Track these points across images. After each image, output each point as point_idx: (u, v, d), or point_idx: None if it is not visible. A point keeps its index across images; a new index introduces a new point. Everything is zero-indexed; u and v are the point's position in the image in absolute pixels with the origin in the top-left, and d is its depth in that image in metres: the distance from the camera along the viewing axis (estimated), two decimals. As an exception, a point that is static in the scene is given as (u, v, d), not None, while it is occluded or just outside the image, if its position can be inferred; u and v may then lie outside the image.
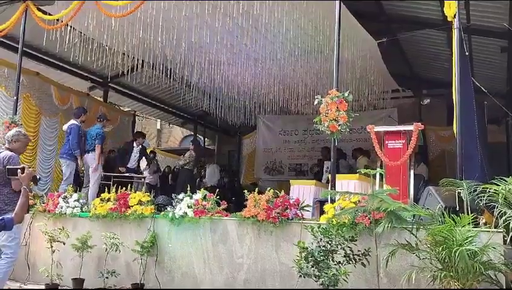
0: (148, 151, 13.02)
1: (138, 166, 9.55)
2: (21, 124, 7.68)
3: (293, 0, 6.82)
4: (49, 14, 7.60)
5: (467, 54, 5.93)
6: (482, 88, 6.33)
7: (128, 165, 9.17)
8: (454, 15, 5.20)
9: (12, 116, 7.51)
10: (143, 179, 9.32)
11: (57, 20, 7.52)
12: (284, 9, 6.91)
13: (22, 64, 7.87)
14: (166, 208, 6.17)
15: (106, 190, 6.83)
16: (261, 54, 9.24)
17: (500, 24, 7.09)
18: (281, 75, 10.17)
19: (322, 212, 5.56)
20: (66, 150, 8.10)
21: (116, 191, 6.56)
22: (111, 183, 7.36)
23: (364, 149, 10.60)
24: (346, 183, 7.19)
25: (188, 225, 5.87)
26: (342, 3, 6.11)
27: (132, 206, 6.27)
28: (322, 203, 6.14)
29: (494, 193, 4.12)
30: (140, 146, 9.64)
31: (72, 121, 8.28)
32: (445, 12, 5.24)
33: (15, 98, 7.84)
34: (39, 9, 7.61)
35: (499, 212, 4.08)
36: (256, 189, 6.04)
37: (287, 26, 7.56)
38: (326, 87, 7.09)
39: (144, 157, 9.85)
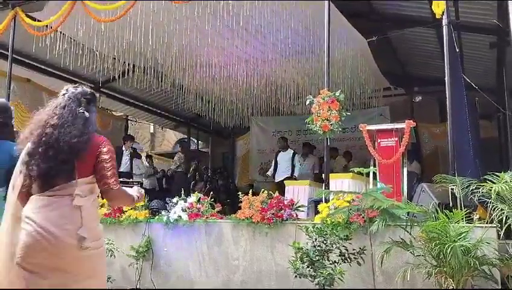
0: (143, 154, 13.04)
1: (131, 169, 9.49)
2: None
3: (282, 0, 6.83)
4: (38, 21, 7.57)
5: (457, 50, 5.97)
6: (473, 84, 6.37)
7: (121, 170, 9.12)
8: (443, 12, 5.23)
9: (3, 124, 7.44)
10: (139, 183, 9.29)
11: (46, 26, 7.49)
12: (274, 10, 6.92)
13: (12, 71, 7.82)
14: (160, 212, 6.15)
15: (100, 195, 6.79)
16: (252, 56, 9.25)
17: (489, 20, 7.13)
18: (273, 76, 10.17)
19: (316, 212, 5.57)
20: None
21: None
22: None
23: (346, 150, 10.79)
24: (340, 182, 7.20)
25: (183, 229, 5.86)
26: (331, 3, 6.12)
27: (126, 211, 6.25)
28: (316, 203, 6.15)
29: (489, 189, 4.14)
30: (130, 149, 9.59)
31: None
32: (433, 10, 5.27)
33: (6, 105, 7.76)
34: (28, 16, 7.57)
35: (492, 207, 4.10)
36: (251, 191, 6.04)
37: (277, 27, 7.58)
38: (318, 87, 7.10)
39: (135, 159, 9.74)
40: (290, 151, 9.62)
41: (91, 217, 2.47)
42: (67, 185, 2.42)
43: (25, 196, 2.46)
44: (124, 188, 2.67)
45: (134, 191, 2.79)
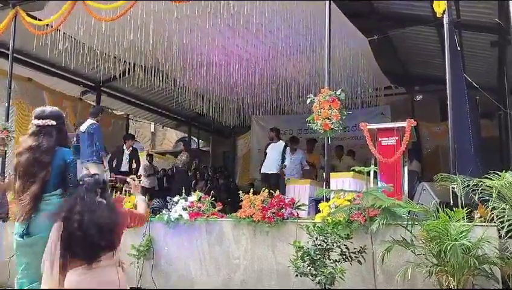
0: (143, 154, 13.03)
1: (130, 169, 9.48)
2: (13, 131, 7.62)
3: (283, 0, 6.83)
4: (39, 20, 7.58)
5: (458, 49, 5.96)
6: (474, 83, 6.37)
7: (122, 169, 9.12)
8: (444, 11, 5.22)
9: (4, 122, 7.46)
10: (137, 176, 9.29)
11: (47, 25, 7.49)
12: (275, 9, 6.92)
13: (13, 70, 7.83)
14: (161, 211, 6.16)
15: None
16: (253, 54, 9.24)
17: (490, 19, 7.12)
18: (274, 75, 10.18)
19: (317, 211, 5.57)
20: (92, 153, 7.53)
21: (112, 195, 6.53)
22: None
23: (349, 149, 10.70)
24: (341, 181, 7.20)
25: (184, 228, 5.87)
26: (332, 2, 6.12)
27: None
28: (317, 201, 6.15)
29: (488, 187, 4.14)
30: (130, 148, 9.57)
31: (91, 121, 7.83)
32: (434, 9, 5.26)
33: (6, 104, 7.78)
34: (29, 15, 7.58)
35: (493, 206, 4.10)
36: (252, 189, 6.04)
37: (278, 26, 7.58)
38: (319, 86, 7.09)
39: (134, 160, 9.70)
40: (282, 143, 9.16)
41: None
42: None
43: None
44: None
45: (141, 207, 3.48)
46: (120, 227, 2.95)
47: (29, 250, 3.23)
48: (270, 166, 9.00)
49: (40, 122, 3.26)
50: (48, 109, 3.42)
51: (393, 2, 8.11)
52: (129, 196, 6.64)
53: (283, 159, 8.86)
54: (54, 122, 3.31)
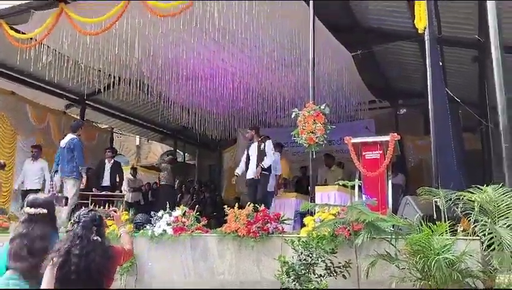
0: (128, 168, 12.92)
1: (114, 183, 9.37)
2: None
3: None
4: (23, 33, 7.52)
5: (440, 64, 6.07)
6: (455, 98, 6.47)
7: (103, 184, 9.02)
8: (425, 27, 5.32)
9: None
10: (122, 197, 9.19)
11: (31, 38, 7.44)
12: (260, 24, 6.97)
13: (-5, 84, 7.76)
14: (145, 226, 6.09)
15: (82, 208, 6.68)
16: (239, 68, 9.28)
17: (470, 35, 7.27)
18: (259, 88, 10.23)
19: (303, 224, 5.56)
20: (72, 168, 7.41)
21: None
22: (89, 202, 7.23)
23: (338, 160, 10.70)
24: (326, 194, 7.24)
25: (168, 243, 5.80)
26: (315, 17, 6.19)
27: (110, 225, 6.16)
28: (302, 215, 6.14)
29: (470, 200, 4.19)
30: (112, 161, 9.48)
31: (71, 136, 7.69)
32: (415, 24, 5.36)
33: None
34: (12, 28, 7.52)
35: (475, 220, 4.14)
36: (237, 204, 6.01)
37: (263, 41, 7.64)
38: (304, 99, 7.14)
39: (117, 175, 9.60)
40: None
41: None
42: None
43: None
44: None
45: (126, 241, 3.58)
46: (114, 269, 3.07)
47: None
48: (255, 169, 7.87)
49: (32, 211, 3.33)
50: (40, 197, 3.49)
51: (376, 17, 8.23)
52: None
53: (264, 156, 7.67)
54: (45, 211, 3.36)
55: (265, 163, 7.61)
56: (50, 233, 3.32)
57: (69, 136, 7.77)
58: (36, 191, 8.65)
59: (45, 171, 8.84)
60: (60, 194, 7.06)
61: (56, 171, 7.90)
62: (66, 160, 7.52)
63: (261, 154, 7.71)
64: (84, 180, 7.57)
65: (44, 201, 3.42)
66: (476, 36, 7.04)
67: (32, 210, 3.33)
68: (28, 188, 8.55)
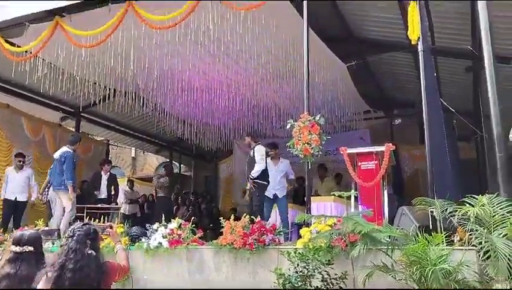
0: (124, 180, 12.86)
1: (109, 195, 9.33)
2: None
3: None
4: (18, 46, 7.53)
5: (435, 75, 6.10)
6: (450, 108, 6.50)
7: (101, 196, 8.98)
8: (418, 38, 5.36)
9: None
10: (118, 210, 9.15)
11: (26, 51, 7.45)
12: (254, 35, 7.01)
13: (-11, 97, 7.75)
14: (140, 239, 6.05)
15: (78, 222, 6.63)
16: (234, 80, 9.32)
17: (464, 45, 7.33)
18: (255, 99, 10.25)
19: (299, 236, 5.54)
20: (62, 181, 7.36)
21: (89, 223, 6.39)
22: (84, 215, 7.19)
23: (336, 172, 10.66)
24: (322, 205, 7.24)
25: (164, 256, 5.76)
26: (310, 29, 6.23)
27: (105, 238, 6.11)
28: (299, 226, 6.12)
29: (466, 211, 4.18)
30: (108, 173, 9.45)
31: (66, 149, 7.67)
32: (409, 36, 5.39)
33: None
34: (7, 41, 7.53)
35: (471, 229, 4.14)
36: (232, 215, 5.99)
37: (258, 52, 7.67)
38: (299, 109, 7.16)
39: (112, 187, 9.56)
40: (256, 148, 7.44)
41: None
42: None
43: None
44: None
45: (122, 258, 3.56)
46: (109, 285, 3.08)
47: None
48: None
49: (18, 249, 3.30)
50: (26, 233, 3.43)
51: (369, 28, 8.30)
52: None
53: (254, 163, 7.21)
54: (32, 249, 3.34)
55: (253, 172, 7.18)
56: (37, 272, 3.23)
57: (64, 148, 7.75)
58: (24, 203, 8.62)
59: (31, 180, 8.79)
60: (47, 228, 6.97)
61: (50, 184, 7.87)
62: (57, 172, 7.53)
63: (252, 163, 7.30)
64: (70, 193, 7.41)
65: (30, 238, 3.37)
66: (469, 47, 7.10)
67: (18, 248, 3.29)
68: (16, 199, 8.52)
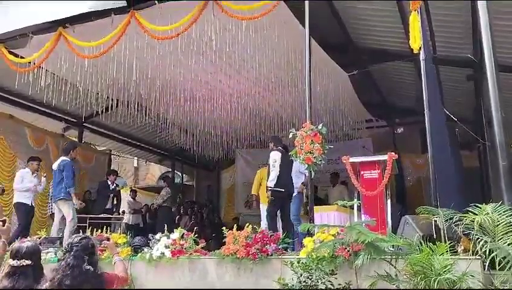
0: (127, 190, 12.88)
1: (112, 205, 9.35)
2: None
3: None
4: (21, 57, 7.57)
5: (437, 83, 6.11)
6: (452, 116, 6.49)
7: (107, 206, 9.01)
8: (420, 47, 5.37)
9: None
10: (121, 220, 9.16)
11: (29, 62, 7.49)
12: (256, 45, 7.04)
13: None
14: (143, 249, 6.03)
15: (81, 232, 6.63)
16: (236, 89, 9.34)
17: (465, 54, 7.35)
18: (257, 109, 10.28)
19: (302, 245, 5.51)
20: (61, 190, 7.31)
21: (92, 233, 6.39)
22: (86, 225, 7.18)
23: (343, 180, 10.61)
24: (326, 215, 7.20)
25: (166, 266, 5.74)
26: (311, 38, 6.26)
27: (105, 249, 6.10)
28: (303, 235, 6.09)
29: (470, 220, 4.16)
30: (114, 184, 9.49)
31: (63, 158, 7.66)
32: (410, 45, 5.41)
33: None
34: (11, 53, 7.57)
35: (476, 239, 4.11)
36: (235, 225, 5.97)
37: (260, 61, 7.69)
38: (301, 118, 7.16)
39: (115, 198, 9.56)
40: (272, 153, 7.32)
41: None
42: None
43: None
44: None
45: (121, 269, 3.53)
46: None
47: None
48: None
49: (15, 262, 3.24)
50: (23, 246, 3.35)
51: (371, 37, 8.32)
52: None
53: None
54: (30, 262, 3.27)
55: (269, 181, 7.02)
56: (35, 285, 3.21)
57: (61, 158, 7.74)
58: (34, 209, 8.57)
59: (42, 184, 8.74)
60: (50, 237, 6.95)
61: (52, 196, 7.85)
62: (56, 182, 7.48)
63: (269, 170, 7.19)
64: (74, 201, 7.36)
65: (27, 251, 3.30)
66: (469, 55, 7.12)
67: (15, 262, 3.23)
68: (31, 204, 8.43)
